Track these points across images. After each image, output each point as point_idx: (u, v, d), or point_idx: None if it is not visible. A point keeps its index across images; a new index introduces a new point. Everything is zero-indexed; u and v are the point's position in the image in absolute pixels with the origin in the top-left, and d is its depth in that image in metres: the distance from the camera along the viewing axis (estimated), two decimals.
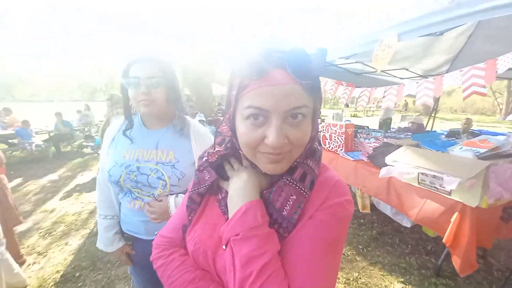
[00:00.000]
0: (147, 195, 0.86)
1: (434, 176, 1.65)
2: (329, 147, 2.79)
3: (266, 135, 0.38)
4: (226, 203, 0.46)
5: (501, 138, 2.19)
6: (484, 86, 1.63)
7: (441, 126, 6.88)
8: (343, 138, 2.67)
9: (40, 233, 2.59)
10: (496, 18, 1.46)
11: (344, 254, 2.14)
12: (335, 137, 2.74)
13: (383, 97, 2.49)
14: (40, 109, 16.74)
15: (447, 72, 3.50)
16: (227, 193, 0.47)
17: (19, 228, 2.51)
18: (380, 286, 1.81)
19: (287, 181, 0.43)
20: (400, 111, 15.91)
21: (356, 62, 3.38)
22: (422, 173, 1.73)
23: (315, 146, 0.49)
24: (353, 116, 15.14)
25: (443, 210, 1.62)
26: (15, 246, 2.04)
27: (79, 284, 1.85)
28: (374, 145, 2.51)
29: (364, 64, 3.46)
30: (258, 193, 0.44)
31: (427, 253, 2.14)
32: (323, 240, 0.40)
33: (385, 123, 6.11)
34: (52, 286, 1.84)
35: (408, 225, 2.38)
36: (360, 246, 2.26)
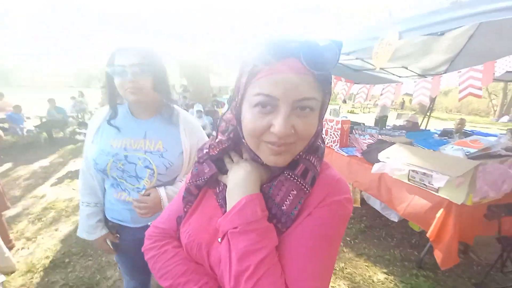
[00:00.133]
0: (131, 189, 0.86)
1: (424, 174, 1.68)
2: (325, 142, 2.82)
3: (272, 123, 0.37)
4: (224, 197, 0.46)
5: (492, 139, 2.23)
6: (480, 88, 1.64)
7: (436, 125, 6.96)
8: (338, 133, 2.69)
9: (30, 218, 2.57)
10: (497, 20, 1.45)
11: None
12: (331, 132, 2.76)
13: (381, 94, 2.50)
14: (33, 95, 16.35)
15: (446, 72, 3.53)
16: (225, 186, 0.47)
17: (8, 213, 2.48)
18: (364, 276, 1.87)
19: (289, 176, 0.43)
20: (396, 109, 16.03)
21: (356, 58, 3.36)
22: (413, 170, 1.76)
23: (319, 143, 0.48)
24: (350, 112, 15.18)
25: (429, 206, 1.66)
26: (3, 231, 2.03)
27: (69, 270, 1.85)
28: (369, 142, 2.53)
29: (364, 61, 3.44)
30: (258, 187, 0.44)
31: (411, 246, 2.22)
32: (321, 237, 0.40)
33: (381, 120, 6.15)
34: (41, 271, 1.84)
35: (396, 220, 2.44)
36: (348, 238, 2.32)
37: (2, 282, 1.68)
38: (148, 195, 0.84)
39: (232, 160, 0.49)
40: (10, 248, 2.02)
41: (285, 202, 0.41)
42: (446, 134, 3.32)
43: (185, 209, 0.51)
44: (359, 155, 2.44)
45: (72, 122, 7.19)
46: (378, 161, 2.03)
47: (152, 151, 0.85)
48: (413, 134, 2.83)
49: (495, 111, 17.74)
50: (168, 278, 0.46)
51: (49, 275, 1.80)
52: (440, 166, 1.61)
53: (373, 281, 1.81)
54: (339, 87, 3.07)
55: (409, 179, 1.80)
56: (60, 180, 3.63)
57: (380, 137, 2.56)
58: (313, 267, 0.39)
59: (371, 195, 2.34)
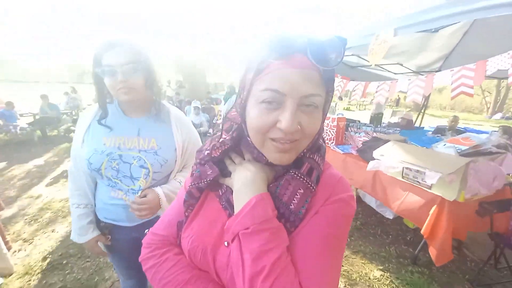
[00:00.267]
0: (127, 189, 0.85)
1: (417, 171, 1.72)
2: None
3: (279, 119, 0.37)
4: (228, 199, 0.46)
5: (484, 136, 2.28)
6: (472, 87, 1.67)
7: (430, 122, 7.05)
8: (334, 131, 2.71)
9: (26, 219, 2.55)
10: (491, 18, 1.47)
11: None
12: (327, 129, 2.78)
13: (376, 92, 2.52)
14: (25, 91, 16.02)
15: (440, 70, 3.57)
16: (228, 188, 0.46)
17: (4, 214, 2.46)
18: (360, 273, 1.90)
19: (295, 175, 0.43)
20: (392, 106, 16.15)
21: (352, 54, 3.37)
22: (407, 168, 1.79)
23: (320, 142, 0.49)
24: (346, 110, 15.27)
25: (423, 203, 1.70)
26: (0, 232, 2.01)
27: (67, 272, 1.85)
28: (364, 139, 2.56)
29: (360, 57, 3.46)
30: (266, 186, 0.43)
31: (406, 243, 2.26)
32: (329, 235, 0.40)
33: (376, 118, 6.20)
34: (38, 273, 1.83)
35: (391, 217, 2.49)
36: None
37: (0, 285, 1.67)
38: (145, 196, 0.84)
39: (234, 162, 0.49)
40: (7, 250, 2.01)
41: (293, 201, 0.41)
42: (440, 131, 3.37)
43: (186, 214, 0.50)
44: (354, 152, 2.47)
45: (66, 119, 7.08)
46: (373, 158, 2.06)
47: (146, 150, 0.84)
48: (407, 132, 2.87)
49: (488, 108, 17.99)
50: None
51: (47, 277, 1.80)
52: (432, 163, 1.65)
53: (369, 278, 1.85)
54: (335, 83, 3.09)
55: (403, 177, 1.83)
56: (55, 180, 3.59)
57: (375, 134, 2.60)
58: (324, 265, 0.39)
59: (366, 193, 2.38)
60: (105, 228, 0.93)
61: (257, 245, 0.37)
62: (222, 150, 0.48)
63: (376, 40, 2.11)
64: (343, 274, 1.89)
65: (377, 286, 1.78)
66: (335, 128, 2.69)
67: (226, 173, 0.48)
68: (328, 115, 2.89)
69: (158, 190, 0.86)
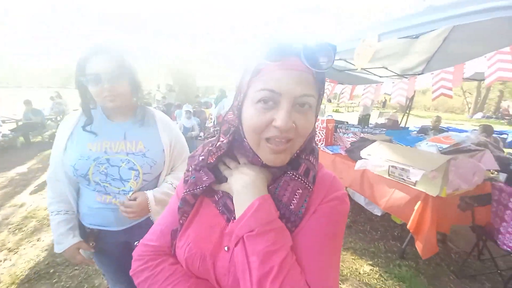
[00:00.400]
0: (117, 192, 0.84)
1: (402, 169, 1.79)
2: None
3: (274, 117, 0.39)
4: (225, 203, 0.46)
5: (464, 135, 2.40)
6: (451, 89, 1.77)
7: (415, 122, 7.32)
8: (324, 132, 2.77)
9: (10, 228, 2.45)
10: (469, 24, 1.56)
11: None
12: (316, 131, 2.84)
13: (362, 94, 2.61)
14: (6, 96, 15.36)
15: (423, 73, 3.74)
16: (224, 193, 0.47)
17: None
18: (351, 269, 1.95)
19: (293, 176, 0.44)
20: (379, 108, 16.63)
21: (340, 59, 3.48)
22: (392, 166, 1.86)
23: (314, 145, 0.50)
24: (335, 111, 15.57)
25: (408, 199, 1.77)
26: None
27: (54, 281, 1.79)
28: (352, 140, 2.64)
29: (347, 62, 3.57)
30: (266, 188, 0.44)
31: (394, 239, 2.34)
32: (329, 232, 0.42)
33: (364, 119, 6.36)
34: (25, 283, 1.77)
35: (379, 214, 2.57)
36: None
37: None
38: (135, 199, 0.83)
39: (228, 167, 0.49)
40: None
41: (292, 202, 0.42)
42: (424, 131, 3.52)
43: (180, 221, 0.48)
44: (343, 153, 2.54)
45: (50, 125, 6.84)
46: (361, 158, 2.13)
47: (134, 152, 0.84)
48: (393, 132, 2.99)
49: (469, 108, 18.85)
50: None
51: (34, 287, 1.73)
52: (416, 161, 1.73)
53: (359, 273, 1.91)
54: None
55: (389, 175, 1.91)
56: (40, 188, 3.46)
57: (362, 135, 2.68)
58: (326, 261, 0.40)
59: (355, 191, 2.45)
60: (91, 235, 0.90)
61: (264, 247, 0.37)
62: (218, 156, 0.48)
63: (361, 44, 2.20)
64: None
65: (367, 281, 1.83)
66: (325, 130, 2.76)
67: (221, 179, 0.48)
68: (318, 117, 2.98)
69: (149, 194, 0.86)
